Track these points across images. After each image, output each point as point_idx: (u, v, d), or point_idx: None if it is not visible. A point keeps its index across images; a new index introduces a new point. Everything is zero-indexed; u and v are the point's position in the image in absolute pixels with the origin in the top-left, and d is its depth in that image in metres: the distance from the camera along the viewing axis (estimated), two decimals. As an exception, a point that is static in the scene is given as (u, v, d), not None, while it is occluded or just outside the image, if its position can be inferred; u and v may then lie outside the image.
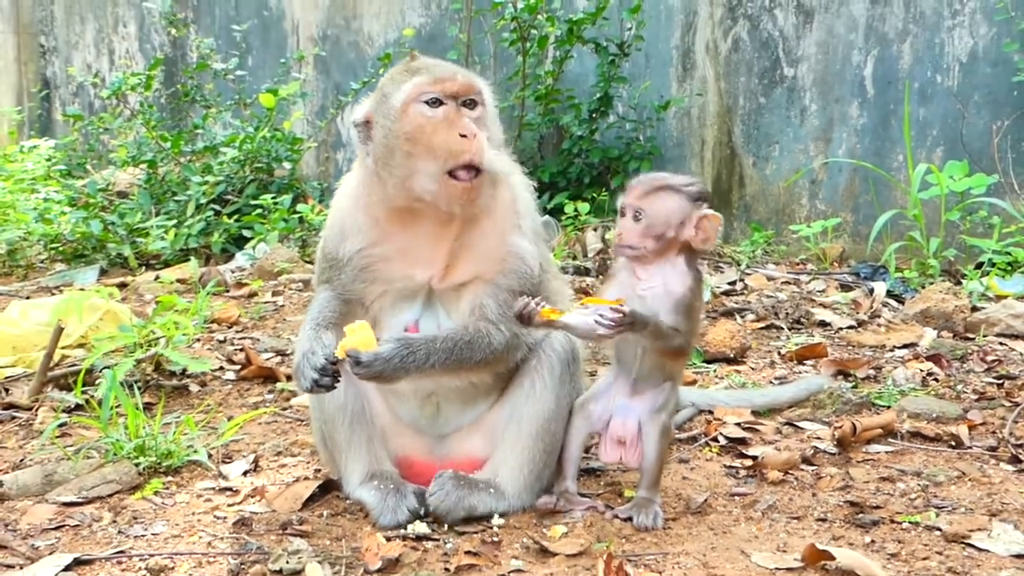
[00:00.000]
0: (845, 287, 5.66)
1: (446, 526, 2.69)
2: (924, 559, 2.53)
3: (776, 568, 2.46)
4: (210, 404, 3.80)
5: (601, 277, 5.55)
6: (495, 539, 2.61)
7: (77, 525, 2.72)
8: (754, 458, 3.21)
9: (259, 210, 6.87)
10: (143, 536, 2.65)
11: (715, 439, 3.41)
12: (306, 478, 3.03)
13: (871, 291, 5.43)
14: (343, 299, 2.82)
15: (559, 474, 2.83)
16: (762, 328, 4.88)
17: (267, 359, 4.34)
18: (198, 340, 4.60)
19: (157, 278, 6.11)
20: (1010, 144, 5.97)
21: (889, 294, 5.40)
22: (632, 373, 2.76)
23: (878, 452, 3.30)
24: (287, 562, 2.40)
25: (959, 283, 5.49)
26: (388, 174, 2.67)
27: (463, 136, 2.59)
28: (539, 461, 2.79)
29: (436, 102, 2.63)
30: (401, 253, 2.75)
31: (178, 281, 5.98)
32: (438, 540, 2.61)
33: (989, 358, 4.29)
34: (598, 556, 2.45)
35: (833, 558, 2.44)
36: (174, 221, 6.94)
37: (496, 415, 2.86)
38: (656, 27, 7.27)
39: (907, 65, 6.32)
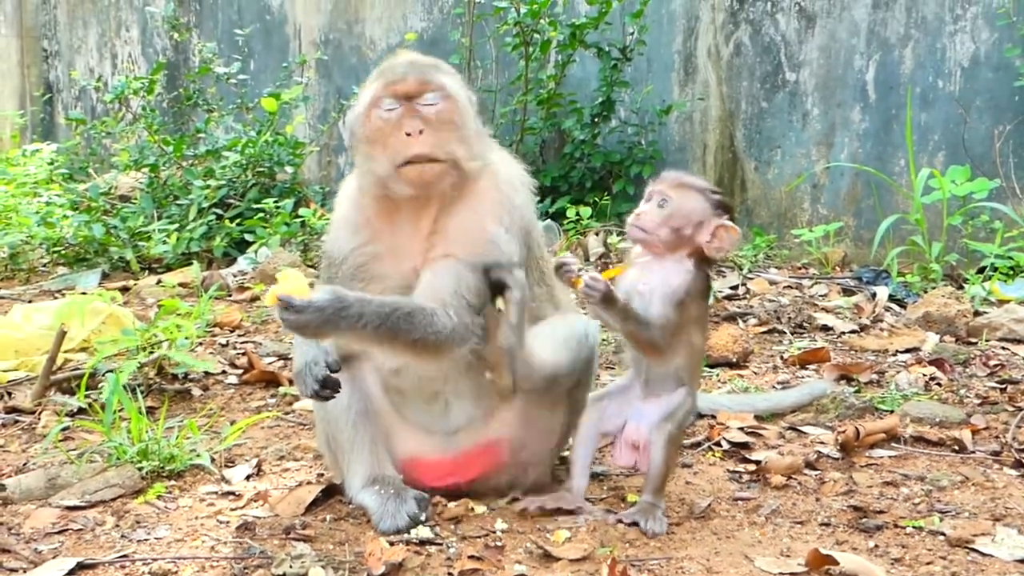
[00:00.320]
0: (847, 291, 5.66)
1: (449, 531, 2.68)
2: (928, 564, 2.52)
3: (780, 573, 2.46)
4: (213, 408, 3.80)
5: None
6: (498, 543, 2.61)
7: (80, 529, 2.72)
8: (757, 463, 3.20)
9: (261, 214, 6.86)
10: (146, 540, 2.65)
11: (718, 443, 3.40)
12: (309, 482, 3.02)
13: (873, 295, 5.42)
14: None
15: (567, 471, 2.83)
16: (764, 332, 4.88)
17: (269, 363, 4.34)
18: (200, 344, 4.61)
19: (159, 282, 6.11)
20: (1012, 148, 5.97)
21: (891, 298, 5.39)
22: (641, 374, 2.78)
23: (881, 457, 3.30)
24: (290, 566, 2.40)
25: (961, 287, 5.49)
26: (362, 174, 2.79)
27: (408, 135, 2.64)
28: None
29: (391, 105, 2.69)
30: (391, 250, 2.78)
31: (180, 285, 5.98)
32: (441, 544, 2.60)
33: (992, 362, 4.28)
34: (602, 561, 2.45)
35: (837, 563, 2.43)
36: (176, 225, 6.93)
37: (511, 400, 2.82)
38: (658, 32, 7.28)
39: (909, 70, 6.32)
